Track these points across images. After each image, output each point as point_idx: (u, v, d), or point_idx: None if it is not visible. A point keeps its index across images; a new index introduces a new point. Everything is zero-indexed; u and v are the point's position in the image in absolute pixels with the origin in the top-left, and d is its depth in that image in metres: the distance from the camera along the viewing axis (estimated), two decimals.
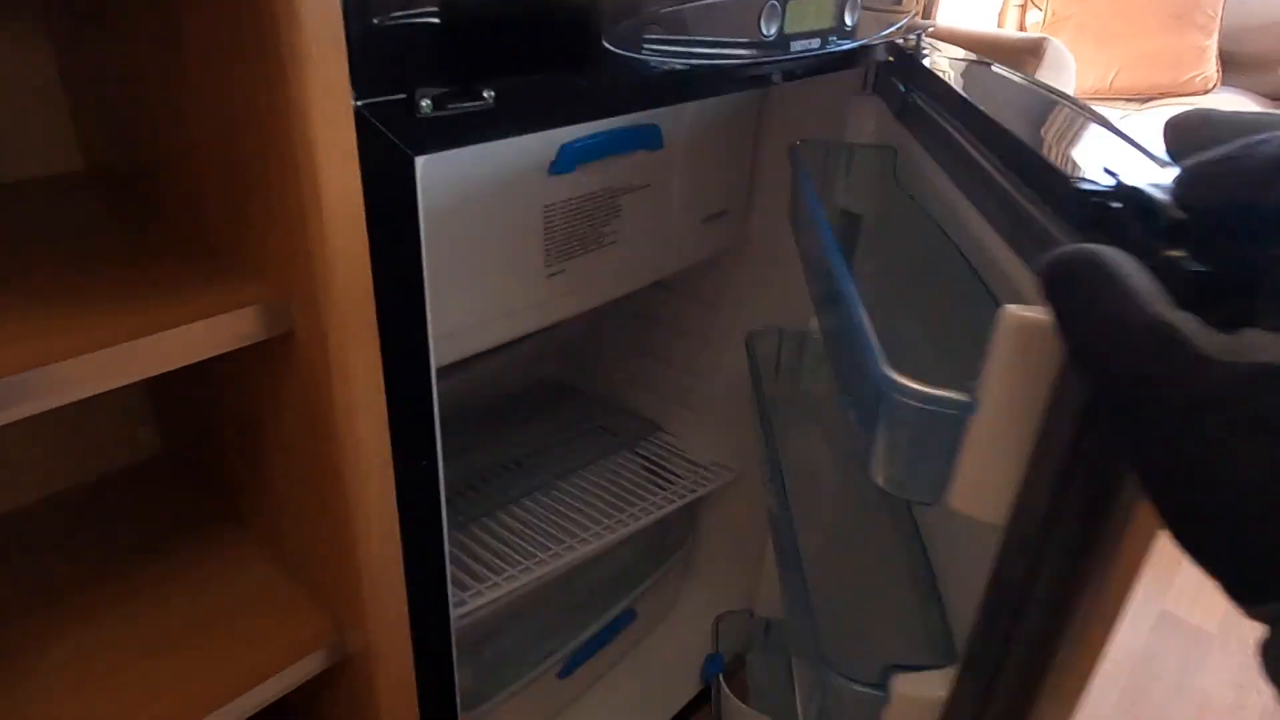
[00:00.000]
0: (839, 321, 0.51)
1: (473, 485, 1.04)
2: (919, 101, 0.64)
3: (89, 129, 0.67)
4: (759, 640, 1.13)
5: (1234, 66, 2.58)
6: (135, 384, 0.78)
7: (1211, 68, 2.54)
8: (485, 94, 0.49)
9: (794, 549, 0.68)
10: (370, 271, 0.48)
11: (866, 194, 0.77)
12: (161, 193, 0.59)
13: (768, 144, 0.92)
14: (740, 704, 1.02)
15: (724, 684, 1.05)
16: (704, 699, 1.12)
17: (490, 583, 0.85)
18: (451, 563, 0.87)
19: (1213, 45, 2.53)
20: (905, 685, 0.48)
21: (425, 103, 0.46)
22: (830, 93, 0.84)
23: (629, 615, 1.07)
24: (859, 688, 0.51)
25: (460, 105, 0.48)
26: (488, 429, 1.15)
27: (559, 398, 1.25)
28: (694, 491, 1.07)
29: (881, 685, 0.49)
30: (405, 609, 0.62)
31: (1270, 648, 0.23)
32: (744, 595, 1.19)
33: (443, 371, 1.11)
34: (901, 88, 0.68)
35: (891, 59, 0.75)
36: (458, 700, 0.72)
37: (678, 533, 1.17)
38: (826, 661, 0.54)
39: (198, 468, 0.78)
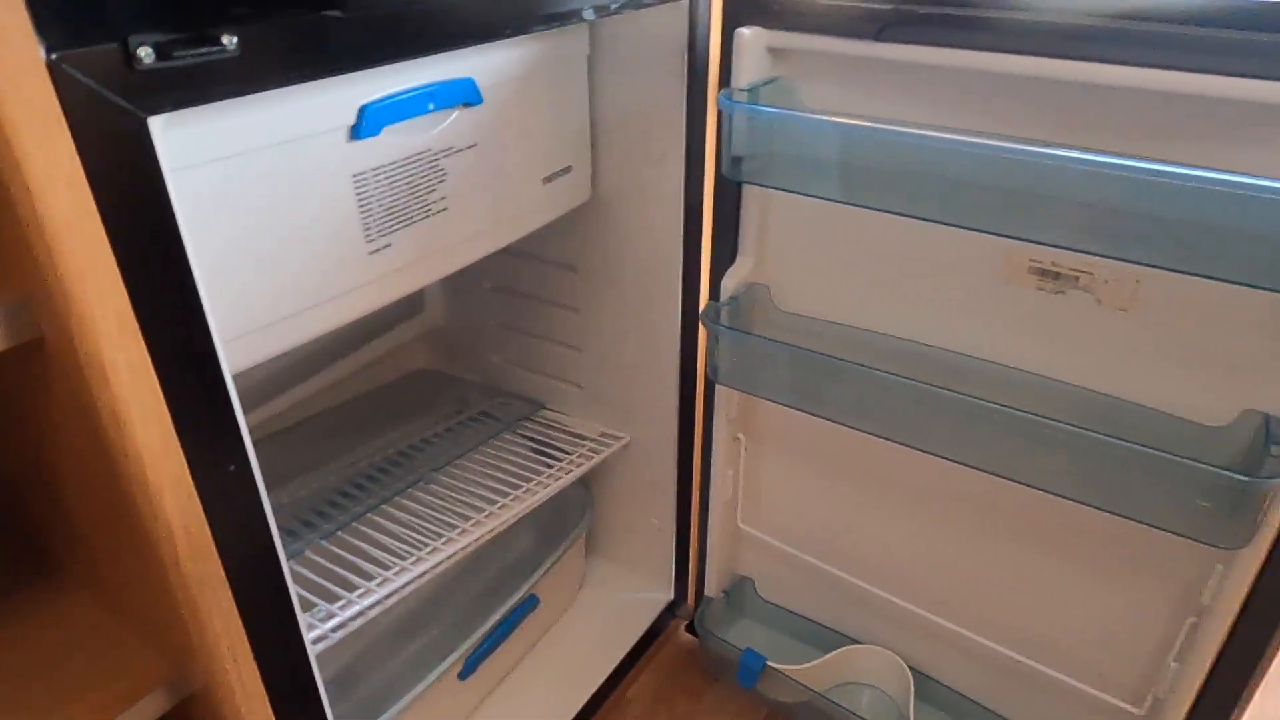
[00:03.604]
0: None
1: (346, 492, 0.97)
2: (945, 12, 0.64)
3: None
4: (720, 611, 1.12)
5: None
6: None
7: None
8: (225, 40, 0.43)
9: None
10: (114, 257, 0.42)
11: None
12: None
13: (606, 94, 0.88)
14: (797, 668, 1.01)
15: (777, 666, 1.03)
16: (617, 679, 1.09)
17: (363, 590, 0.79)
18: (320, 575, 0.82)
19: None
20: None
21: (144, 51, 0.40)
22: (665, 34, 0.81)
23: (531, 601, 1.03)
24: None
25: (193, 54, 0.42)
26: (359, 431, 1.08)
27: (435, 389, 1.19)
28: (583, 464, 1.03)
29: None
30: (243, 634, 0.56)
31: None
32: (651, 568, 1.16)
33: (299, 372, 1.06)
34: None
35: None
36: None
37: (574, 510, 1.13)
38: None
39: (7, 517, 0.69)
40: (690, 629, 1.15)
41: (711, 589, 1.09)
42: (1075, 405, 0.73)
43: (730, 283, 0.87)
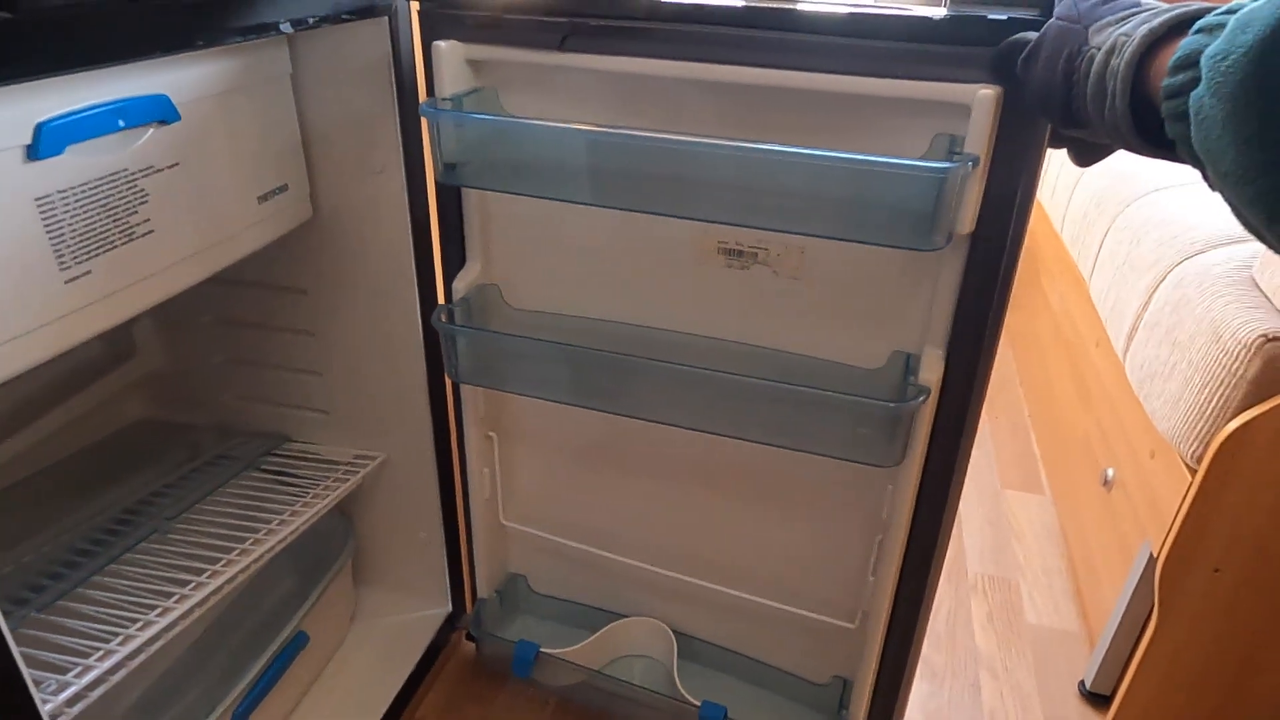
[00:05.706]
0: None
1: (67, 560, 0.88)
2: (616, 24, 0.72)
3: None
4: (495, 611, 1.13)
5: None
6: None
7: None
8: None
9: None
10: None
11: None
12: None
13: (318, 111, 0.87)
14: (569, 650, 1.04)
15: (550, 651, 1.05)
16: (403, 702, 1.07)
17: (101, 654, 0.72)
18: (44, 649, 0.74)
19: None
20: None
21: None
22: (369, 50, 0.83)
23: (300, 640, 0.99)
24: None
25: None
26: (77, 491, 0.97)
27: (160, 438, 1.10)
28: (337, 488, 1.01)
29: None
30: None
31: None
32: (426, 585, 1.16)
33: None
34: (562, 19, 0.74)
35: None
36: None
37: (335, 541, 1.09)
38: None
39: None
40: (470, 636, 1.16)
41: (484, 590, 1.11)
42: (767, 363, 0.85)
43: (460, 285, 0.90)
